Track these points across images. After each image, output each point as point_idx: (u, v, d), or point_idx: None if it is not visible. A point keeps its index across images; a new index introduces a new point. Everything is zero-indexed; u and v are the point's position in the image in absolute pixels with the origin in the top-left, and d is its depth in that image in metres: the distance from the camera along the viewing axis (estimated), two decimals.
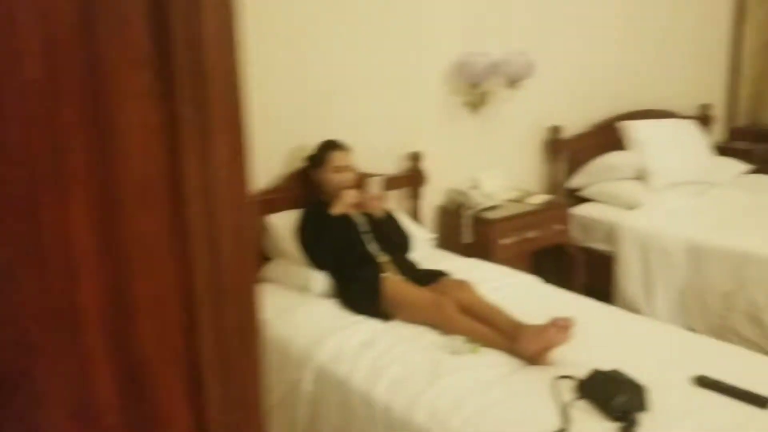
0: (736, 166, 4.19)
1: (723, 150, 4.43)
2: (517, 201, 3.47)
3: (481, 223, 3.25)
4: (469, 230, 3.26)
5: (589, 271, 3.60)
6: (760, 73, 5.13)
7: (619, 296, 3.51)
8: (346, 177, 2.73)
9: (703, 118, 4.60)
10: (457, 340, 2.24)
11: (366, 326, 2.37)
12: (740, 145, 4.78)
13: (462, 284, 2.49)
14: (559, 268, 3.59)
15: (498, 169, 3.61)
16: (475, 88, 3.32)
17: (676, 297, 3.34)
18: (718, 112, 4.81)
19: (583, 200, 3.86)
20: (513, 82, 3.39)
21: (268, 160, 2.83)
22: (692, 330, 3.29)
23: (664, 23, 4.39)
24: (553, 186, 3.87)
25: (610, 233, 3.58)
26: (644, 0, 4.26)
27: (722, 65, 4.87)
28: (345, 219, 2.67)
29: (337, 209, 2.64)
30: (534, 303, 2.55)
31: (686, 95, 4.59)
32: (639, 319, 2.55)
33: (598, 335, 2.29)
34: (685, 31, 4.54)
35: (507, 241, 3.25)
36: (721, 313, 3.19)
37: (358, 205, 2.67)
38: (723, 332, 3.19)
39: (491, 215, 3.27)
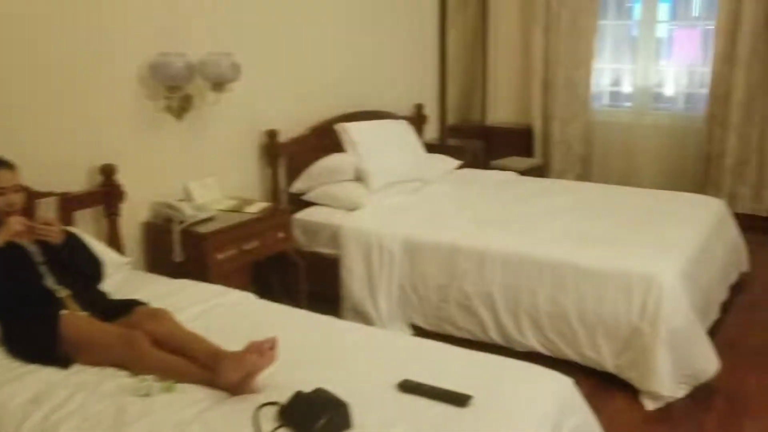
0: (448, 163, 4.42)
1: (436, 148, 4.66)
2: (234, 211, 3.27)
3: (193, 238, 2.99)
4: (180, 247, 2.98)
5: (316, 276, 3.53)
6: (465, 74, 5.53)
7: (346, 299, 3.48)
8: (11, 200, 2.29)
9: (418, 118, 4.82)
10: (148, 380, 1.97)
11: (38, 377, 2.00)
12: (452, 142, 5.09)
13: (157, 313, 2.22)
14: (286, 276, 3.45)
15: (211, 178, 3.38)
16: (174, 91, 3.04)
17: (397, 294, 3.39)
18: (431, 111, 5.07)
19: (307, 204, 3.78)
20: (218, 84, 3.17)
21: None
22: (414, 325, 3.38)
23: (377, 27, 4.49)
24: (274, 192, 3.74)
25: (334, 236, 3.54)
26: (357, 4, 4.31)
27: (432, 67, 5.14)
28: (12, 250, 2.25)
29: (1, 239, 2.21)
30: (246, 323, 2.40)
31: (401, 96, 4.76)
32: (351, 327, 2.49)
33: (309, 350, 2.20)
34: (398, 34, 4.70)
35: (224, 255, 3.03)
36: (437, 305, 3.30)
37: (28, 233, 2.26)
38: (440, 323, 3.31)
39: (204, 229, 3.02)
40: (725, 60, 4.80)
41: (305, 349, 2.19)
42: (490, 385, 1.97)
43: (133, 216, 3.05)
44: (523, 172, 4.80)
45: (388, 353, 2.21)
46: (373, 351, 2.23)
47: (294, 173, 3.83)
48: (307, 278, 3.43)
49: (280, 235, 3.32)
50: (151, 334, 2.10)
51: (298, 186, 3.83)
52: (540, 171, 5.34)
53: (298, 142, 3.82)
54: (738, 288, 3.75)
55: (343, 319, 3.33)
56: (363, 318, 3.40)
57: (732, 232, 3.81)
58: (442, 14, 5.08)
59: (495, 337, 3.16)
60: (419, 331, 3.34)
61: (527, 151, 5.60)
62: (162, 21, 3.09)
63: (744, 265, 3.91)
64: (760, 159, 4.86)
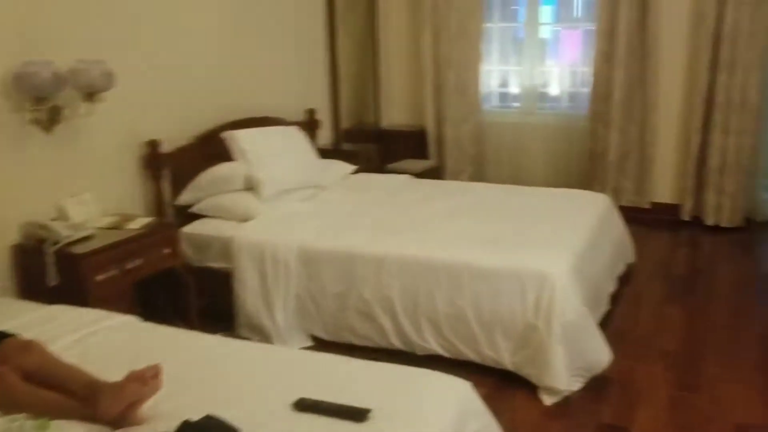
0: (343, 168, 4.36)
1: (330, 152, 4.59)
2: (114, 228, 3.06)
3: (69, 259, 2.78)
4: (54, 270, 2.76)
5: (208, 292, 3.39)
6: (357, 77, 5.50)
7: (241, 314, 3.35)
8: None
9: (310, 123, 4.73)
10: (20, 419, 1.79)
11: None
12: (346, 146, 5.04)
13: (27, 345, 2.02)
14: (175, 295, 3.28)
15: (88, 194, 3.15)
16: (42, 102, 2.81)
17: (295, 305, 3.29)
18: (324, 116, 5.00)
19: (195, 217, 3.62)
20: (90, 94, 2.97)
21: None
22: (313, 336, 3.30)
23: (262, 31, 4.37)
24: (159, 205, 3.54)
25: (226, 249, 3.40)
26: (241, 7, 4.17)
27: (323, 71, 5.06)
28: None
29: None
30: (129, 349, 2.24)
31: (292, 101, 4.66)
32: (243, 346, 2.37)
33: (197, 374, 2.07)
34: (285, 38, 4.59)
35: (104, 276, 2.83)
36: (336, 314, 3.23)
37: None
38: (340, 332, 3.25)
39: (81, 249, 2.81)
40: (605, 60, 5.00)
41: (194, 373, 2.07)
42: (388, 396, 1.92)
43: (0, 239, 2.80)
44: (419, 175, 4.81)
45: (283, 371, 2.12)
46: (267, 370, 2.13)
47: (180, 185, 3.65)
48: (198, 295, 3.28)
49: (166, 251, 3.14)
50: (21, 369, 1.91)
51: (184, 198, 3.65)
52: (435, 173, 5.38)
53: (182, 151, 3.65)
54: (625, 279, 3.90)
55: (238, 335, 3.23)
56: (259, 333, 3.29)
57: (618, 225, 3.97)
58: (330, 17, 5.01)
59: (396, 342, 3.13)
60: (319, 342, 3.26)
61: (422, 153, 5.63)
62: (26, 27, 2.86)
63: (630, 257, 4.08)
64: (640, 154, 5.10)
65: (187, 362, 2.13)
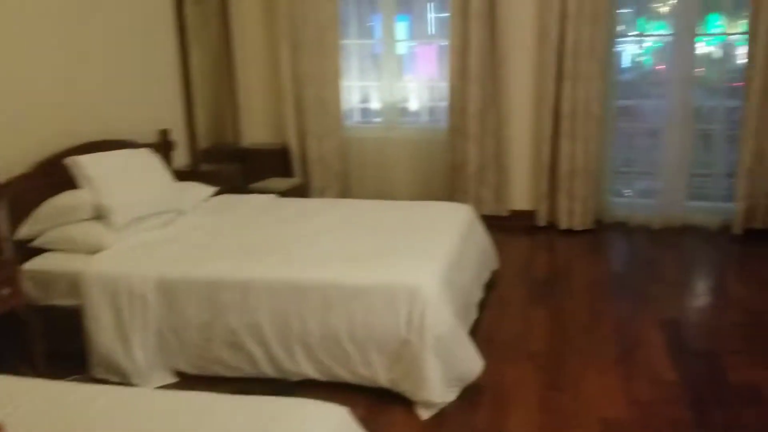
0: (202, 190, 4.17)
1: (188, 175, 4.37)
2: None
3: None
4: None
5: (56, 333, 3.09)
6: (214, 95, 5.31)
7: (94, 353, 3.09)
8: None
9: (164, 144, 4.49)
10: None
11: None
12: (205, 167, 4.83)
13: None
14: (19, 339, 2.97)
15: None
16: None
17: (155, 340, 3.08)
18: (179, 136, 4.77)
19: (38, 251, 3.31)
20: None
21: None
22: (178, 371, 3.10)
23: (108, 49, 4.09)
24: None
25: (74, 284, 3.13)
26: (83, 23, 3.88)
27: (176, 90, 4.84)
28: None
29: None
30: None
31: (142, 122, 4.40)
32: (97, 391, 2.14)
33: (47, 427, 1.89)
34: (133, 56, 4.33)
35: None
36: (201, 346, 3.06)
37: None
38: (207, 365, 3.08)
39: None
40: (460, 75, 5.15)
41: (42, 426, 1.87)
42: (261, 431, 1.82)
43: None
44: (284, 193, 4.72)
45: (145, 414, 1.95)
46: (127, 414, 1.95)
47: (20, 218, 3.31)
48: (45, 337, 2.98)
49: (5, 291, 2.83)
50: None
51: (24, 232, 3.32)
52: (301, 190, 5.30)
53: (21, 181, 3.31)
54: (490, 286, 4.00)
55: (93, 378, 2.98)
56: (117, 373, 3.05)
57: (481, 234, 4.07)
58: (181, 32, 4.80)
59: (267, 370, 3.00)
60: (184, 378, 3.07)
61: (286, 171, 5.53)
62: None
63: (494, 264, 4.20)
64: (497, 164, 5.30)
65: (34, 414, 1.93)
